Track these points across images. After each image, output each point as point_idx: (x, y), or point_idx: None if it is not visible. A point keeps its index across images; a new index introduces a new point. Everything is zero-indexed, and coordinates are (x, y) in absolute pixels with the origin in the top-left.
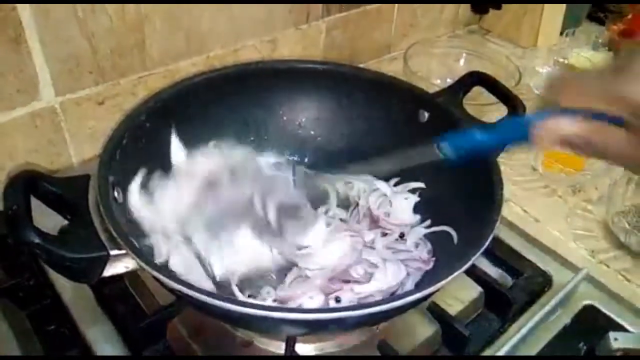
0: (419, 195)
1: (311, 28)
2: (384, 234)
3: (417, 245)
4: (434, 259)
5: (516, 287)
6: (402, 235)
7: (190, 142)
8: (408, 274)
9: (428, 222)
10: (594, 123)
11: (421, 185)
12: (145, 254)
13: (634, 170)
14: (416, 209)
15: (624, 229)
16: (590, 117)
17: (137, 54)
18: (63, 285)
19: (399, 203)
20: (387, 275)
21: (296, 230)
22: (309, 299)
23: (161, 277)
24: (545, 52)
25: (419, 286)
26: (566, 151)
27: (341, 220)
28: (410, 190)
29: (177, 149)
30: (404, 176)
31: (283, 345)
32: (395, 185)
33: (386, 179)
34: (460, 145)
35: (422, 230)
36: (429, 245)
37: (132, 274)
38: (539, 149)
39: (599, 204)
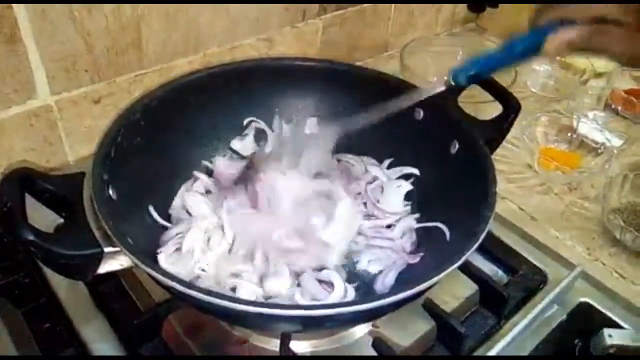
0: (412, 184)
1: (308, 26)
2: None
3: (402, 235)
4: (421, 254)
5: (512, 284)
6: (389, 226)
7: (186, 140)
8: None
9: (417, 215)
10: (595, 26)
11: (415, 171)
12: (138, 251)
13: (632, 62)
14: (408, 199)
15: (619, 227)
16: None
17: (133, 52)
18: (58, 283)
19: (391, 191)
20: None
21: None
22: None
23: (155, 274)
24: None
25: (400, 279)
26: (570, 54)
27: None
28: (404, 176)
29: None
30: (397, 157)
31: (278, 342)
32: (389, 167)
33: (380, 160)
34: (473, 69)
35: (412, 223)
36: (414, 237)
37: (127, 272)
38: (549, 57)
39: (594, 201)
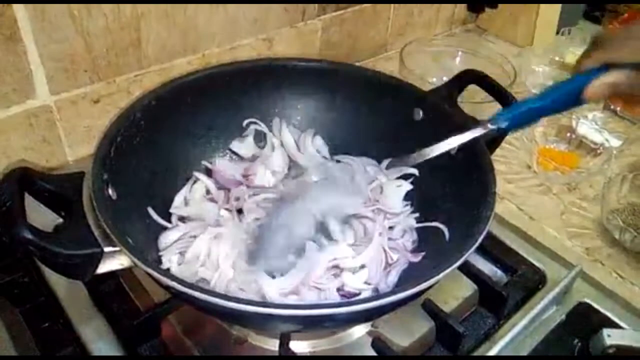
0: (411, 184)
1: (307, 26)
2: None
3: (403, 234)
4: (422, 253)
5: (511, 284)
6: (390, 227)
7: (186, 140)
8: (394, 263)
9: (417, 214)
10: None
11: (414, 171)
12: (138, 251)
13: None
14: (408, 198)
15: (619, 227)
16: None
17: (133, 52)
18: (57, 282)
19: (391, 190)
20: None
21: None
22: None
23: (155, 274)
24: (541, 51)
25: (403, 278)
26: (613, 101)
27: None
28: (403, 176)
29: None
30: (396, 158)
31: (277, 342)
32: (387, 168)
33: (379, 161)
34: (515, 116)
35: (412, 222)
36: (415, 236)
37: (126, 272)
38: (590, 102)
39: (593, 201)
